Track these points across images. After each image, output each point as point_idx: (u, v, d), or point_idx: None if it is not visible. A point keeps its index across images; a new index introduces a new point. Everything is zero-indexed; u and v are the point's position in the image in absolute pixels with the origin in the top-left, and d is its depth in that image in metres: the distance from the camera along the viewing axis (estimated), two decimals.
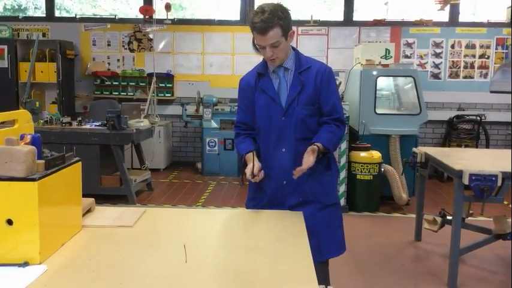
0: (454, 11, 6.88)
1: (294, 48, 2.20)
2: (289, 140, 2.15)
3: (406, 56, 6.90)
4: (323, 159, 2.19)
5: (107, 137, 4.93)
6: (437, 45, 6.88)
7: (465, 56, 6.88)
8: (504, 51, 6.83)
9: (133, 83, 7.06)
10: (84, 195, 1.69)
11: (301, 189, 2.16)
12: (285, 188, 2.18)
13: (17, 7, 7.82)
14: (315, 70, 2.16)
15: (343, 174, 4.86)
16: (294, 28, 2.15)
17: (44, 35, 7.16)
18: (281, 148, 2.17)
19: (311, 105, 2.15)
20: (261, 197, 2.24)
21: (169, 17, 7.02)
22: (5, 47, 6.69)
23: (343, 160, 4.88)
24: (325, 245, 2.20)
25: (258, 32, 2.02)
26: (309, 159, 2.04)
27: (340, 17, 7.03)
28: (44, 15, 7.38)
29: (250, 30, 2.07)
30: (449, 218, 3.65)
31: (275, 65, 2.15)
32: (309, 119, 2.16)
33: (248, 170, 2.05)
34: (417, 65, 6.81)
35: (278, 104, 2.15)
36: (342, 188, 4.86)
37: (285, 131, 2.15)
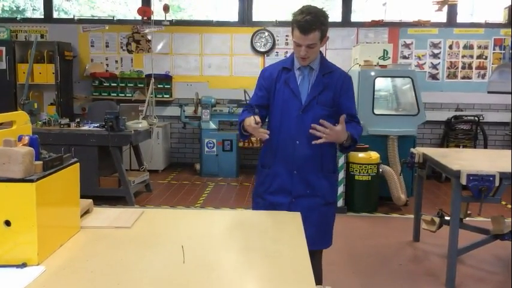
0: (452, 11, 6.90)
1: (320, 52, 2.32)
2: (304, 135, 2.24)
3: (404, 57, 6.92)
4: (331, 163, 2.38)
5: (105, 138, 4.93)
6: (435, 45, 6.90)
7: (463, 56, 6.89)
8: (502, 51, 6.85)
9: (131, 84, 7.06)
10: (82, 197, 1.69)
11: (311, 182, 2.30)
12: (295, 178, 2.30)
13: (15, 8, 7.82)
14: (337, 75, 2.32)
15: (341, 175, 4.85)
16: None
17: (42, 36, 7.16)
18: (295, 140, 2.28)
19: (329, 107, 2.28)
20: (270, 183, 2.36)
21: (168, 18, 7.02)
22: (3, 49, 6.69)
23: (342, 161, 4.86)
24: (320, 236, 2.38)
25: (300, 31, 2.14)
26: (343, 126, 2.12)
27: (338, 18, 7.04)
28: (42, 17, 7.38)
29: (291, 27, 2.20)
30: (447, 218, 3.65)
31: (304, 64, 2.28)
32: (326, 119, 2.23)
33: (251, 121, 2.10)
34: (415, 66, 6.83)
35: (298, 99, 2.27)
36: (341, 189, 4.85)
37: (302, 126, 2.25)
